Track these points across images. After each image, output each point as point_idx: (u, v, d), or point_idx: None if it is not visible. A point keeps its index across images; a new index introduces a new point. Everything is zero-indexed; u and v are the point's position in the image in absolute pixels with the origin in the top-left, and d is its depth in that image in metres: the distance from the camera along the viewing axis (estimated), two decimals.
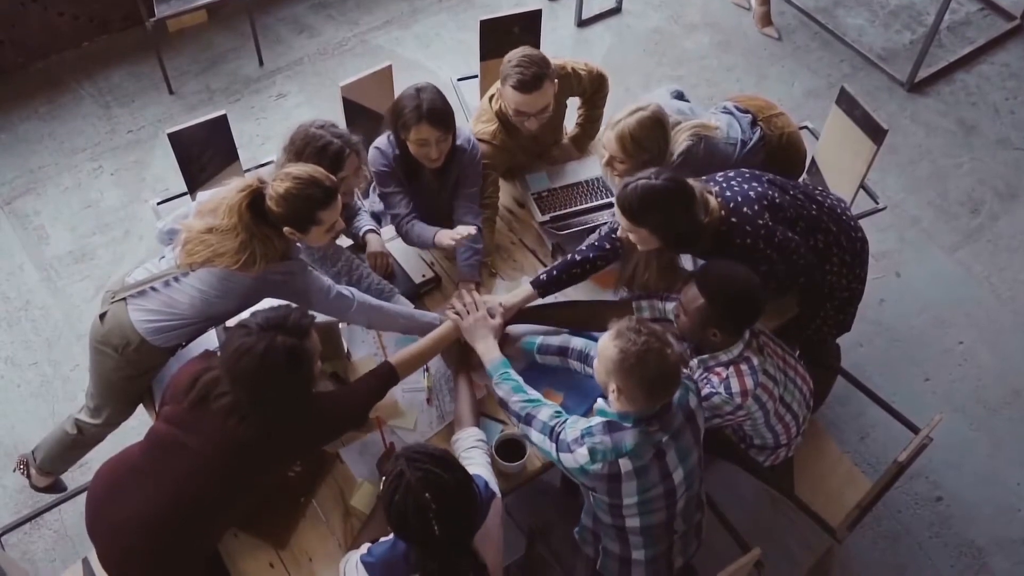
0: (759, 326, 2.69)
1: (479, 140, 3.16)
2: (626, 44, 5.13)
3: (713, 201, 2.69)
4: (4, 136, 4.59)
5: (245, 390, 2.31)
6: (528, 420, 2.47)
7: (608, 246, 2.90)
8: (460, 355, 2.84)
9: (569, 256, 2.92)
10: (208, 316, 2.70)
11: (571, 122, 3.55)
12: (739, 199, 2.72)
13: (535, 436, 2.45)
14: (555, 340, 2.80)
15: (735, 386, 2.58)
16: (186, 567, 2.46)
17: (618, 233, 2.76)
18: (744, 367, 2.59)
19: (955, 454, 3.60)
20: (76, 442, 3.08)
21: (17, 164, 4.49)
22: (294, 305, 2.44)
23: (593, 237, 2.95)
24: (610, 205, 3.29)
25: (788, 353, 2.78)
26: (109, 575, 2.45)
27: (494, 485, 2.35)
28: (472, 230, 2.93)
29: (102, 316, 2.73)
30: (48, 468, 3.21)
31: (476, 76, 3.90)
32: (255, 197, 2.54)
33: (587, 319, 2.92)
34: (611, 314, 2.85)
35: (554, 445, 2.38)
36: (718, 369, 2.61)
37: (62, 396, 3.72)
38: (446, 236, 2.93)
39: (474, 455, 2.45)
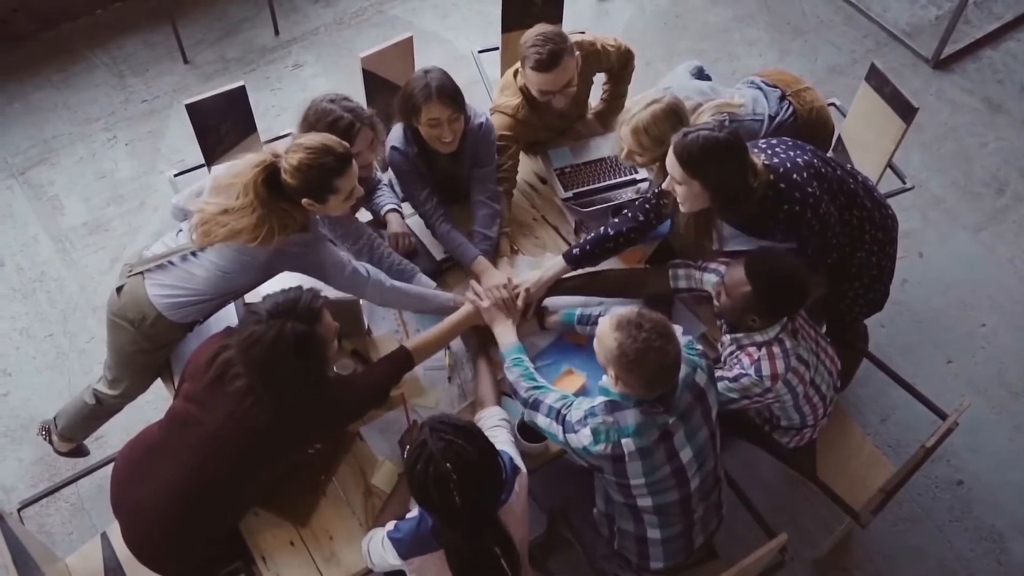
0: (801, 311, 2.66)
1: (501, 113, 3.11)
2: (647, 17, 5.04)
3: (760, 165, 2.61)
4: (17, 105, 4.54)
5: (257, 376, 2.29)
6: (535, 406, 2.46)
7: (642, 218, 2.85)
8: (479, 336, 2.81)
9: (602, 229, 2.87)
10: (226, 291, 2.67)
11: (595, 98, 3.50)
12: (788, 165, 2.65)
13: (542, 420, 2.44)
14: (595, 311, 2.75)
15: (766, 369, 2.54)
16: (206, 545, 2.46)
17: (664, 185, 2.66)
18: (776, 350, 2.56)
19: (977, 437, 3.56)
20: (94, 412, 3.08)
21: (31, 133, 4.45)
22: (305, 287, 2.40)
23: (626, 211, 2.91)
24: (634, 182, 3.25)
25: (819, 334, 2.74)
26: (132, 552, 2.45)
27: (519, 461, 2.33)
28: (503, 278, 2.88)
29: (119, 289, 2.71)
30: (68, 435, 3.22)
31: (497, 48, 3.83)
32: (270, 172, 2.51)
33: (624, 287, 2.90)
34: (649, 281, 2.83)
35: (560, 427, 2.37)
36: (750, 349, 2.58)
37: (78, 368, 3.70)
38: (484, 272, 2.92)
39: (498, 434, 2.42)
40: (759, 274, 2.48)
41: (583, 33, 3.26)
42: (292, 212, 2.54)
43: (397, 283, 2.78)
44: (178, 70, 4.71)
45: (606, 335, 2.27)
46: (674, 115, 2.80)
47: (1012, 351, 3.83)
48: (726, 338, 2.65)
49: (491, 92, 3.80)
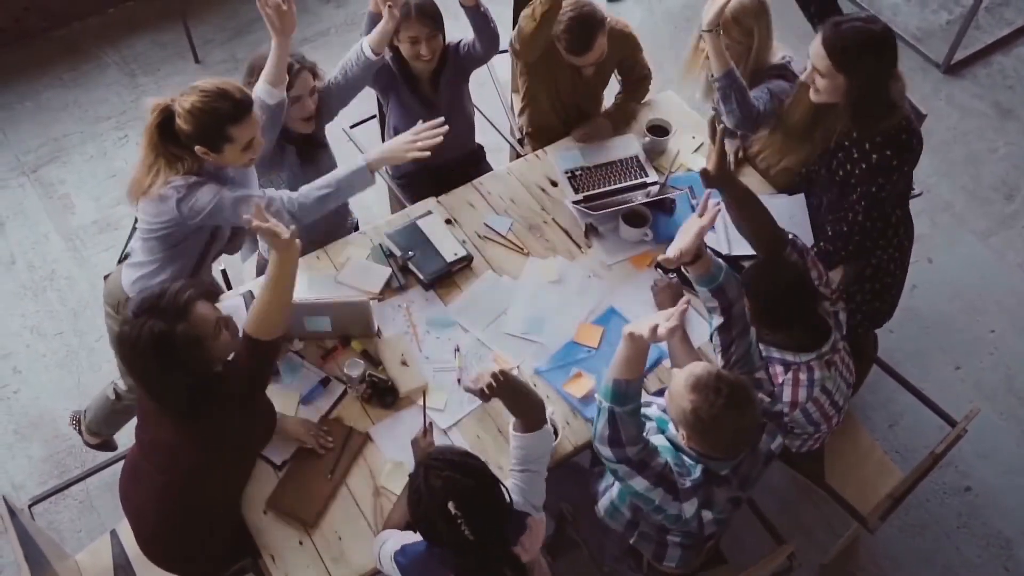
0: (843, 344, 2.57)
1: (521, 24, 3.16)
2: (656, 20, 5.05)
3: (907, 104, 2.48)
4: (28, 103, 4.56)
5: (137, 380, 2.19)
6: (640, 466, 2.21)
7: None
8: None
9: None
10: (160, 256, 2.62)
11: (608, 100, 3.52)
12: (917, 129, 2.57)
13: (640, 484, 2.22)
14: (741, 309, 2.38)
15: (787, 395, 2.51)
16: (211, 544, 2.48)
17: (803, 77, 2.50)
18: (803, 376, 2.50)
19: (985, 444, 3.56)
20: (115, 407, 3.14)
21: (42, 132, 4.47)
22: (183, 282, 2.22)
23: None
24: (644, 185, 3.23)
25: (847, 351, 2.66)
26: (142, 551, 2.48)
27: (527, 501, 2.23)
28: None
29: (107, 276, 2.82)
30: (95, 429, 3.26)
31: (507, 51, 3.83)
32: (165, 117, 2.40)
33: (753, 215, 2.52)
34: (769, 232, 2.52)
35: (669, 496, 2.22)
36: (778, 368, 2.53)
37: (87, 367, 3.71)
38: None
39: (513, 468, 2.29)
40: (756, 291, 2.43)
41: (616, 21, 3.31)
42: (184, 159, 2.42)
43: (302, 188, 2.60)
44: (189, 69, 4.72)
45: (680, 395, 2.13)
46: (763, 9, 2.75)
47: (1021, 357, 3.82)
48: (760, 346, 2.62)
49: (502, 94, 3.81)
